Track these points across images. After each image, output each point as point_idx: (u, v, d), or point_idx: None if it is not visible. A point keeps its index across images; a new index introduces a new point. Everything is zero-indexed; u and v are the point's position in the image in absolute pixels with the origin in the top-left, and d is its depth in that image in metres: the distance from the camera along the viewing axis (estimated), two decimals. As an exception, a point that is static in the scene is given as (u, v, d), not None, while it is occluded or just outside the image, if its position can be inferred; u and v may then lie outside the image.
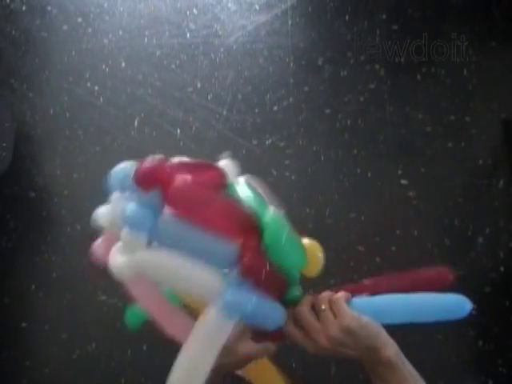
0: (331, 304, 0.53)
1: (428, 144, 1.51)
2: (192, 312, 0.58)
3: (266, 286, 0.51)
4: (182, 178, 0.51)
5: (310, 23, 1.68)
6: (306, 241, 0.61)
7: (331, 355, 0.54)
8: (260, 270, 0.50)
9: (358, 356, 0.53)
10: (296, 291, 0.57)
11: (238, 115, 1.60)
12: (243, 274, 0.49)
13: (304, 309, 0.54)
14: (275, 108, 1.59)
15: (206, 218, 0.51)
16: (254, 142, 1.56)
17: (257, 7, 1.72)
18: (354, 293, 0.56)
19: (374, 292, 0.56)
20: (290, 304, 0.55)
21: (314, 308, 0.54)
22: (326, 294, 0.55)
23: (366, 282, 0.58)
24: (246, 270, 0.49)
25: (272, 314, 0.53)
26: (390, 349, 0.53)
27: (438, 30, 1.60)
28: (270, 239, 0.51)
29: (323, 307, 0.53)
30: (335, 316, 0.52)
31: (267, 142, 1.56)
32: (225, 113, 1.60)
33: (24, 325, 1.48)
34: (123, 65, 1.70)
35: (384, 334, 0.53)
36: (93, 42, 1.74)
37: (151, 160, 0.53)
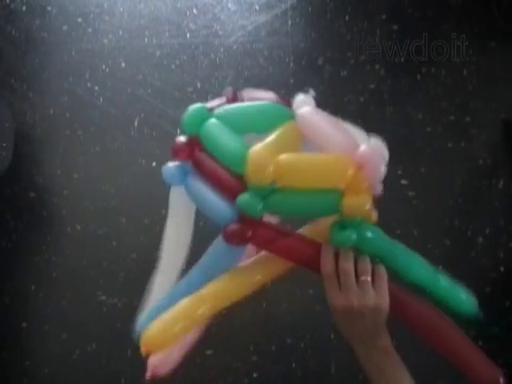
0: (375, 277, 0.54)
1: (428, 144, 1.51)
2: None
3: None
4: None
5: (310, 23, 1.68)
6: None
7: (341, 322, 0.55)
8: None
9: (358, 336, 0.55)
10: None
11: (238, 115, 1.60)
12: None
13: (351, 268, 0.54)
14: (275, 108, 1.59)
15: None
16: (254, 142, 1.56)
17: (257, 7, 1.72)
18: None
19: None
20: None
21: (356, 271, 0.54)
22: (368, 266, 0.55)
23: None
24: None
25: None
26: (387, 336, 0.55)
27: (438, 30, 1.60)
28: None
29: (368, 279, 0.54)
30: (374, 289, 0.54)
31: (267, 142, 1.56)
32: (225, 113, 1.60)
33: (24, 325, 1.48)
34: (123, 65, 1.70)
35: (385, 323, 0.55)
36: (93, 42, 1.74)
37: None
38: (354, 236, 0.53)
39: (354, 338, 0.56)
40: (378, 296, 0.53)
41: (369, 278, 0.54)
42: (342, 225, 0.54)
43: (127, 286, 1.45)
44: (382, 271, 0.55)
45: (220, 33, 1.70)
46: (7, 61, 1.74)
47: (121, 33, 1.74)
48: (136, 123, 1.62)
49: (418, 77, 1.57)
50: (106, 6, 1.78)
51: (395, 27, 1.62)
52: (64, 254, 1.53)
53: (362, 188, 0.52)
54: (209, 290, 0.56)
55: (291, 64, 1.63)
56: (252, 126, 0.60)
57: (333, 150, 0.54)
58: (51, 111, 1.67)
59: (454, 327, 0.55)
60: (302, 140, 0.58)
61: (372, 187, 0.53)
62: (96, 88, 1.68)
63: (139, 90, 1.66)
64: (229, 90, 0.64)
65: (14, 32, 1.77)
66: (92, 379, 1.42)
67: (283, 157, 0.52)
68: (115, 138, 1.62)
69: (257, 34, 1.68)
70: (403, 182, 1.48)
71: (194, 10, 1.74)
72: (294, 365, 1.35)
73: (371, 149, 0.53)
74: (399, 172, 1.49)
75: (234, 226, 0.54)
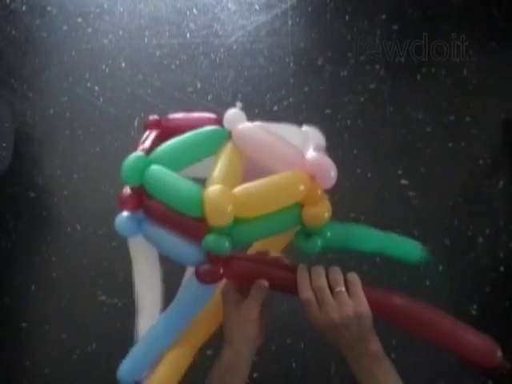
0: (348, 285, 0.54)
1: (428, 144, 1.51)
2: None
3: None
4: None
5: (310, 23, 1.68)
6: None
7: (327, 336, 0.55)
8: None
9: (347, 344, 0.55)
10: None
11: (237, 115, 1.60)
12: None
13: (324, 284, 0.54)
14: (275, 108, 1.59)
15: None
16: (254, 142, 1.56)
17: (257, 7, 1.72)
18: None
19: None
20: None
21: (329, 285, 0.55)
22: (340, 277, 0.55)
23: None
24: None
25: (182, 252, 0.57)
26: (376, 341, 0.55)
27: (438, 30, 1.60)
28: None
29: (342, 290, 0.54)
30: (350, 297, 0.54)
31: (267, 142, 1.56)
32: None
33: (24, 325, 1.48)
34: (123, 65, 1.70)
35: (372, 327, 0.55)
36: (93, 42, 1.74)
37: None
38: (319, 242, 0.54)
39: (343, 347, 0.56)
40: (356, 304, 0.53)
41: (343, 289, 0.54)
42: (305, 233, 0.54)
43: (127, 286, 1.44)
44: (355, 278, 0.55)
45: (220, 33, 1.70)
46: (7, 61, 1.74)
47: (121, 33, 1.74)
48: (136, 123, 1.62)
49: (418, 77, 1.57)
50: (105, 5, 1.78)
51: (395, 27, 1.62)
52: (64, 254, 1.53)
53: (318, 197, 0.52)
54: (188, 333, 0.60)
55: (291, 64, 1.63)
56: (192, 157, 0.60)
57: (280, 166, 0.54)
58: (51, 111, 1.67)
59: (438, 312, 0.55)
60: (242, 159, 0.58)
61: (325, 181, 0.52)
62: (96, 88, 1.68)
63: (139, 90, 1.66)
64: (151, 118, 0.64)
65: (14, 32, 1.77)
66: (92, 379, 1.42)
67: (239, 191, 0.51)
68: (115, 138, 1.62)
69: (257, 34, 1.68)
70: (403, 181, 1.48)
71: (194, 10, 1.74)
72: (293, 365, 1.35)
73: (317, 154, 0.52)
74: (399, 172, 1.49)
75: (205, 267, 0.54)
